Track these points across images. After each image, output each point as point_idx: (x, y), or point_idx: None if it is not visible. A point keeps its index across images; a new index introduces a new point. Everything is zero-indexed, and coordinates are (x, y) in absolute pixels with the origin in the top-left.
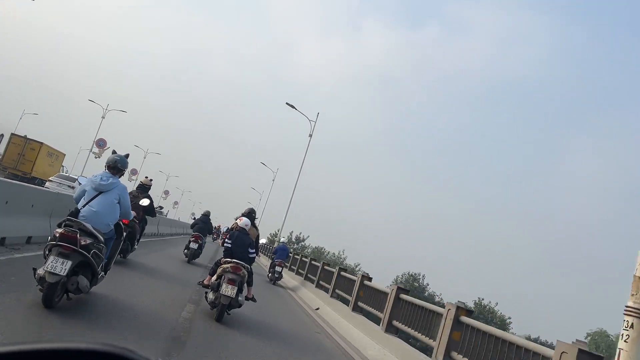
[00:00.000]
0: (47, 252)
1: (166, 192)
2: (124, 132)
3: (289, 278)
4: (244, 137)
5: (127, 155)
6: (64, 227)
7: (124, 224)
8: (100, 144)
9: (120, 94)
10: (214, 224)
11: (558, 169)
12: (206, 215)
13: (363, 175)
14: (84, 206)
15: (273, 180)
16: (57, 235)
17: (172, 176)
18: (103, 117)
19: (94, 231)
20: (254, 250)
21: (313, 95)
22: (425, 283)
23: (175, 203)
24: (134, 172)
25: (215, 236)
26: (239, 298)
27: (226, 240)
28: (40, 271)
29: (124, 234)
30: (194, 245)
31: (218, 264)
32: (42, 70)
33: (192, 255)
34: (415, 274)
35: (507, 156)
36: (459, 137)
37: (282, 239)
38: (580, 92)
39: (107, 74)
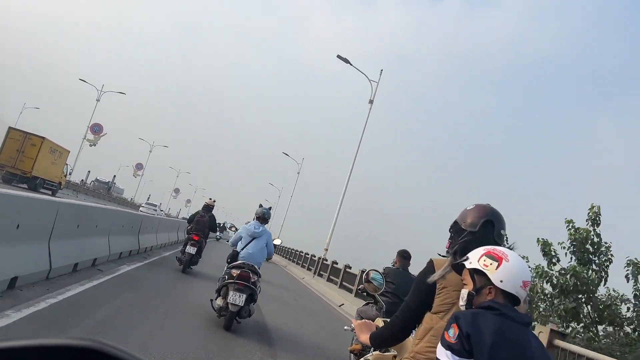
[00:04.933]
0: (221, 287)
1: (177, 190)
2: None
3: None
4: (251, 125)
5: (270, 208)
6: (238, 268)
7: (194, 240)
8: (96, 129)
9: (121, 80)
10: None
11: None
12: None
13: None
14: (242, 249)
15: (298, 173)
16: (235, 275)
17: (183, 172)
18: (98, 100)
19: (258, 270)
20: None
21: (321, 74)
22: None
23: (188, 201)
24: (139, 166)
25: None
26: None
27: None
28: (219, 302)
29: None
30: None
31: None
32: (37, 55)
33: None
34: None
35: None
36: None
37: None
38: (613, 70)
39: (108, 59)
